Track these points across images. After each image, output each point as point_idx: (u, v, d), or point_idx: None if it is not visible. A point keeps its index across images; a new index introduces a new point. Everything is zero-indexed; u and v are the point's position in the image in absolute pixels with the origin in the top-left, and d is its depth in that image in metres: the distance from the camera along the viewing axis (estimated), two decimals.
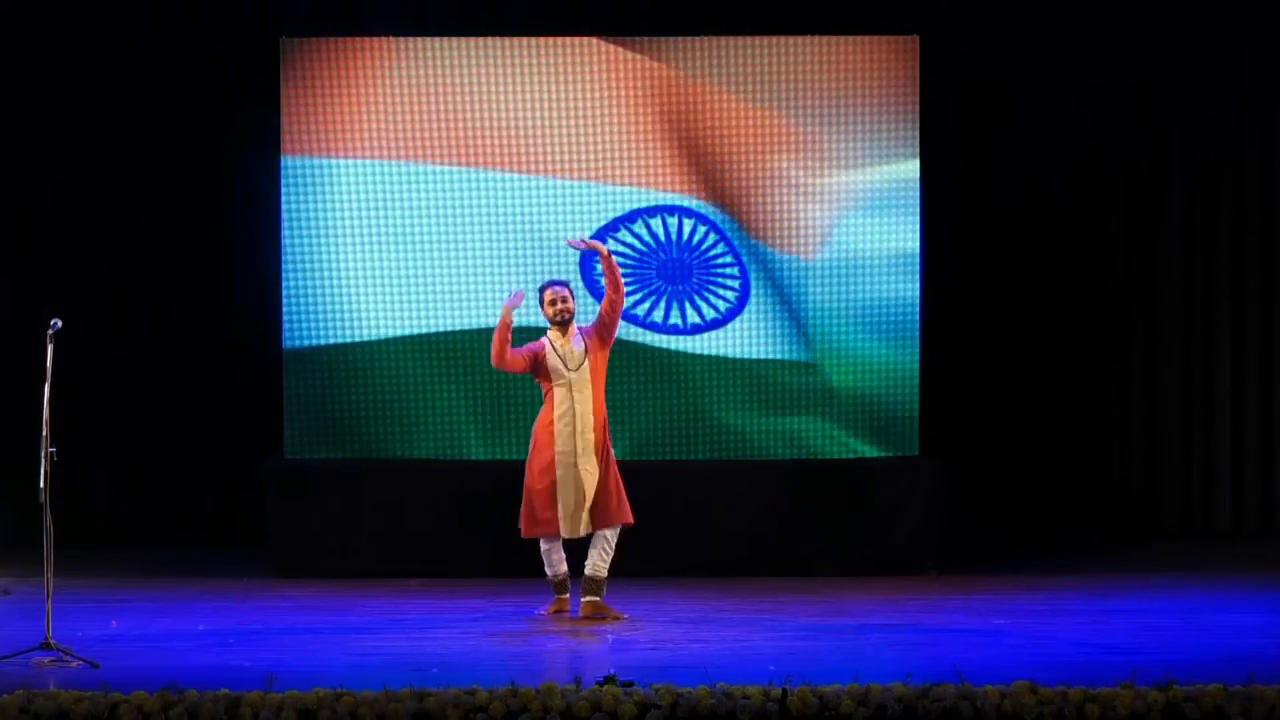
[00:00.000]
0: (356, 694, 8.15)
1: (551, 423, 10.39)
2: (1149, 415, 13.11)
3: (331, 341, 11.84)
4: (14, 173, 12.68)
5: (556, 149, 11.79)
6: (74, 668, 9.06)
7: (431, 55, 11.79)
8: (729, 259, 11.85)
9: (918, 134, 11.84)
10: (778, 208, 11.84)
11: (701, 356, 11.91)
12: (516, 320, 10.58)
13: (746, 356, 11.90)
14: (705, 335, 11.89)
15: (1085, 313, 13.01)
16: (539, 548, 10.57)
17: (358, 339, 11.85)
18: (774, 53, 11.81)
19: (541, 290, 10.51)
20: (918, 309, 11.88)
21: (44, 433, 9.30)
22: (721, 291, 11.88)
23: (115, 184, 12.74)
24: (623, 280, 10.54)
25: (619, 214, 11.83)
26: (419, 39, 11.84)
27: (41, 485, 9.21)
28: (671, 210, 11.85)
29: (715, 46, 11.81)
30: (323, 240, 11.81)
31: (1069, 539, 12.84)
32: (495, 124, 11.79)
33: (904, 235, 11.85)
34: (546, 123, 11.79)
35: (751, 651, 9.53)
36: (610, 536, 10.43)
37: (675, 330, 11.86)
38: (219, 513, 12.79)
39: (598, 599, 10.43)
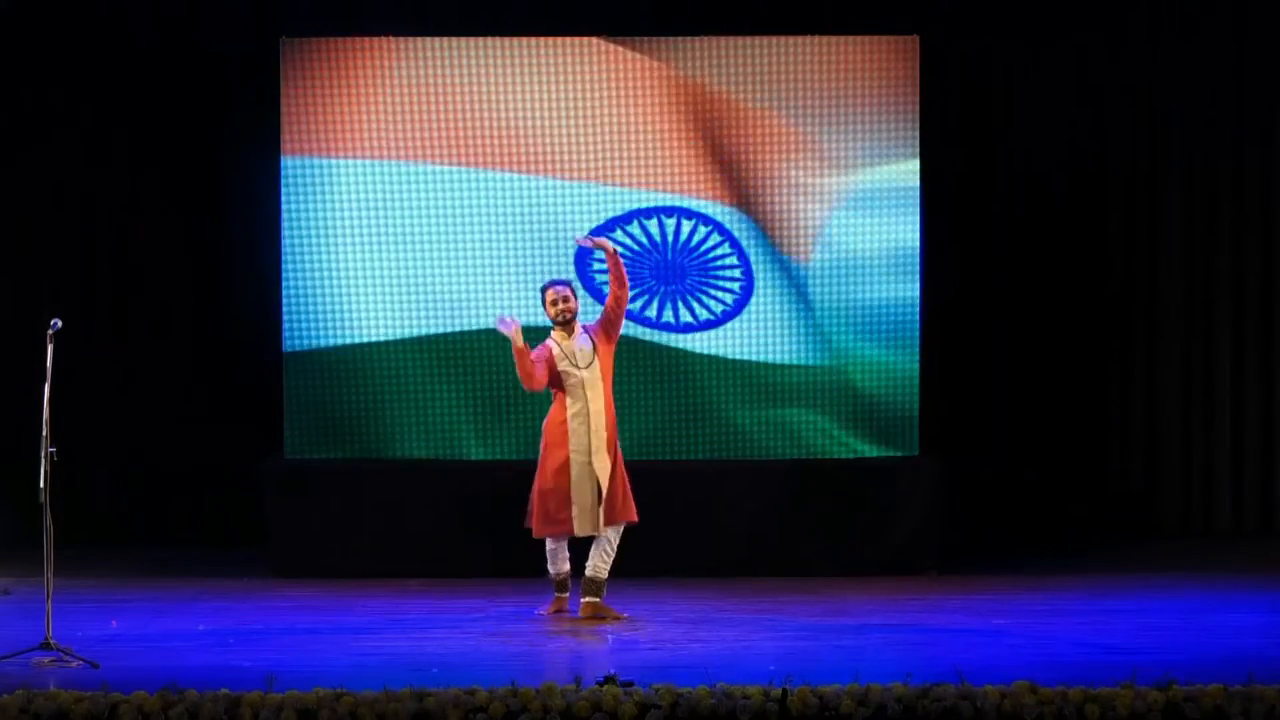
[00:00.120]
0: (356, 694, 8.15)
1: (564, 421, 10.38)
2: (1149, 415, 13.11)
3: (331, 344, 11.84)
4: (14, 173, 12.68)
5: (556, 149, 11.79)
6: (74, 668, 9.06)
7: (431, 55, 11.79)
8: (732, 260, 11.85)
9: (918, 134, 11.84)
10: (778, 208, 11.84)
11: (702, 356, 11.91)
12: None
13: (747, 356, 11.90)
14: (705, 335, 11.88)
15: (1085, 313, 13.01)
16: (543, 545, 10.57)
17: (357, 341, 11.84)
18: (774, 53, 11.81)
19: (543, 290, 10.51)
20: (918, 309, 11.88)
21: (44, 433, 9.30)
22: (718, 294, 11.87)
23: (115, 184, 12.74)
24: (627, 276, 10.55)
25: (617, 215, 11.82)
26: (419, 39, 11.84)
27: (41, 485, 9.21)
28: (670, 211, 11.84)
29: (715, 46, 11.81)
30: (323, 240, 11.80)
31: (1069, 539, 12.84)
32: (495, 124, 11.79)
33: (904, 235, 11.85)
34: (546, 123, 11.79)
35: (751, 651, 9.53)
36: (613, 538, 10.43)
37: (668, 327, 11.85)
38: (219, 513, 12.79)
39: (598, 599, 10.43)
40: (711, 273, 11.88)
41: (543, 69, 11.79)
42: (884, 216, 11.85)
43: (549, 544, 10.54)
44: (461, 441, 11.91)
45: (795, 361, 11.90)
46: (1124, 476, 13.12)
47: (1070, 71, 12.87)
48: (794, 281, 11.87)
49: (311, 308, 11.81)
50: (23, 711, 8.06)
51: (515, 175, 11.81)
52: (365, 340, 11.85)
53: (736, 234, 11.84)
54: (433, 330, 11.86)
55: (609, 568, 10.44)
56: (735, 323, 11.87)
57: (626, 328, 11.64)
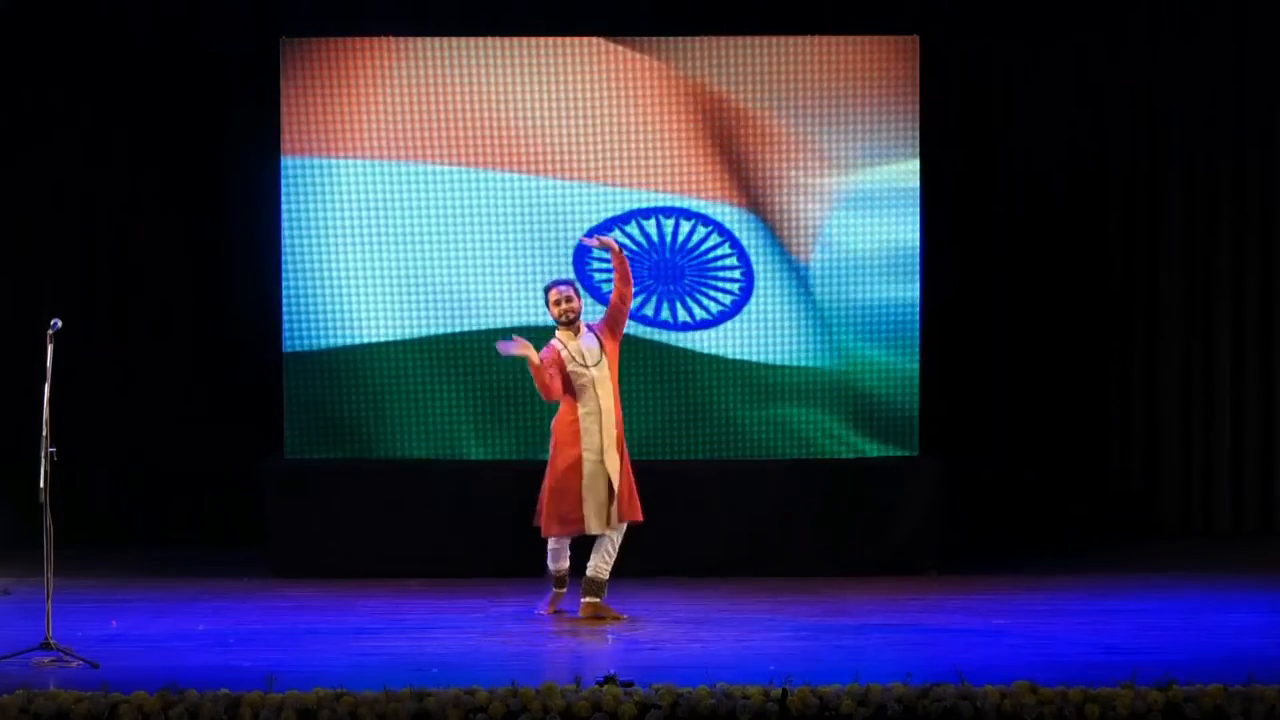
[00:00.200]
0: (356, 694, 8.15)
1: (576, 420, 10.37)
2: (1149, 415, 13.11)
3: (331, 345, 11.83)
4: (14, 173, 12.68)
5: (557, 149, 11.79)
6: (74, 668, 9.06)
7: (431, 55, 11.79)
8: (732, 261, 11.85)
9: (918, 134, 11.84)
10: (778, 208, 11.84)
11: (701, 355, 11.90)
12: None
13: (747, 356, 11.90)
14: (705, 334, 11.88)
15: (1085, 313, 13.01)
16: (543, 544, 10.56)
17: (357, 342, 11.84)
18: (774, 53, 11.81)
19: (546, 291, 10.51)
20: (918, 309, 11.88)
21: (44, 433, 9.30)
22: (716, 294, 11.87)
23: (115, 184, 12.73)
24: (631, 274, 10.54)
25: (615, 215, 11.81)
26: (419, 39, 11.84)
27: (41, 485, 9.22)
28: (669, 212, 11.84)
29: (715, 46, 11.81)
30: (323, 241, 11.80)
31: (1069, 539, 12.84)
32: (495, 124, 11.79)
33: (904, 235, 11.85)
34: (547, 123, 11.79)
35: (751, 651, 9.54)
36: (616, 539, 10.44)
37: (666, 325, 11.84)
38: (219, 513, 12.79)
39: (598, 600, 10.43)
40: (710, 273, 11.88)
41: (543, 69, 11.79)
42: (884, 216, 11.85)
43: (552, 542, 10.54)
44: (461, 441, 11.91)
45: (795, 361, 11.89)
46: (1124, 476, 13.12)
47: (1070, 71, 12.87)
48: (794, 281, 11.87)
49: (311, 308, 11.81)
50: (23, 711, 8.06)
51: (515, 175, 11.81)
52: (365, 341, 11.84)
53: (737, 234, 11.84)
54: (432, 331, 11.86)
55: (610, 568, 10.44)
56: (736, 323, 11.87)
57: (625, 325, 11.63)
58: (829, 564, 11.72)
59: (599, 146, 11.78)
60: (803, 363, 11.89)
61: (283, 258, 11.82)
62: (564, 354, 10.37)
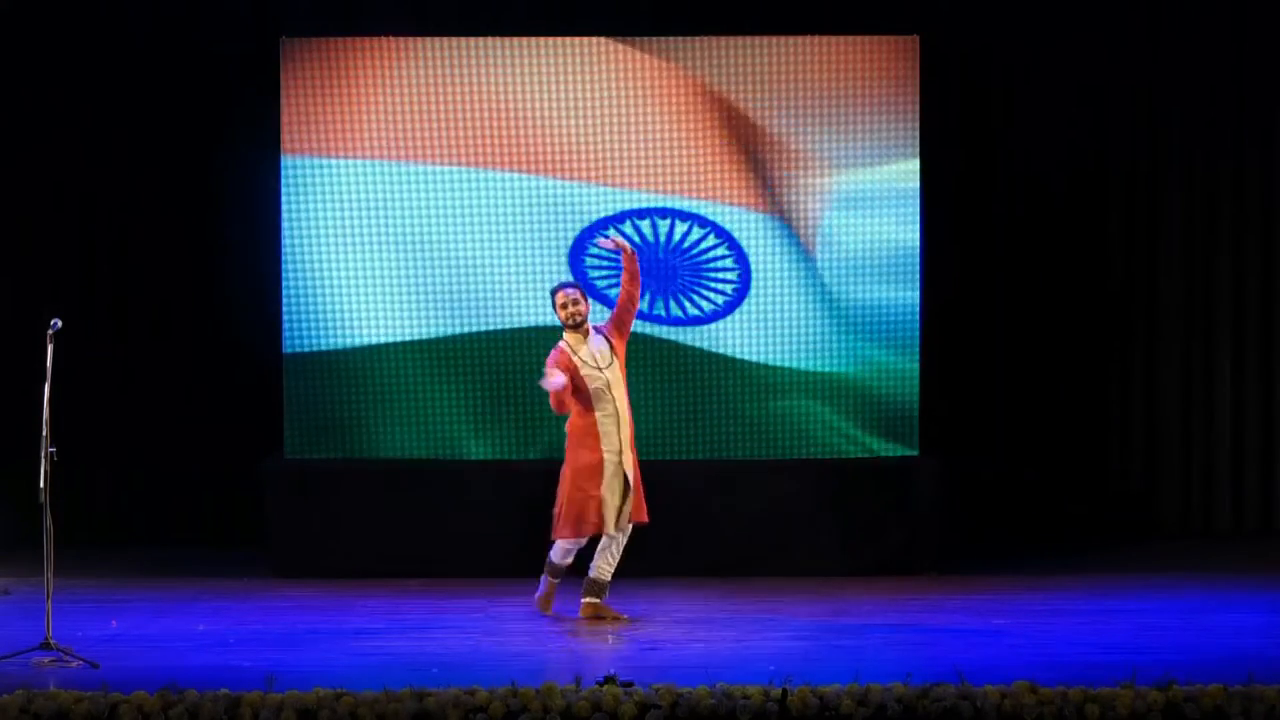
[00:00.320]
0: (356, 694, 8.15)
1: (595, 422, 10.34)
2: (1149, 415, 13.11)
3: (331, 346, 11.83)
4: (14, 173, 12.68)
5: (557, 149, 11.79)
6: (74, 668, 9.07)
7: (431, 55, 11.78)
8: (729, 262, 11.84)
9: (918, 134, 11.84)
10: (777, 208, 11.83)
11: (701, 356, 11.89)
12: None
13: (746, 356, 11.90)
14: (704, 333, 11.87)
15: (1085, 313, 13.01)
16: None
17: (357, 343, 11.83)
18: (774, 53, 11.81)
19: (553, 293, 10.48)
20: (918, 309, 11.88)
21: (44, 433, 9.30)
22: (709, 292, 11.86)
23: (115, 184, 12.73)
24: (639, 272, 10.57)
25: (610, 215, 11.80)
26: (419, 39, 11.83)
27: (41, 485, 9.22)
28: (664, 213, 11.83)
29: (715, 47, 11.81)
30: (323, 241, 11.80)
31: (1069, 539, 12.84)
32: (495, 124, 11.79)
33: (904, 235, 11.85)
34: (547, 123, 11.79)
35: (751, 651, 9.54)
36: (622, 540, 10.43)
37: (659, 320, 11.82)
38: (219, 513, 12.78)
39: (599, 600, 10.43)
40: (705, 272, 11.87)
41: (543, 69, 11.78)
42: (884, 216, 11.85)
43: (567, 544, 10.48)
44: (461, 441, 11.91)
45: (795, 361, 11.89)
46: (1124, 476, 13.11)
47: (1070, 71, 12.87)
48: (794, 282, 11.86)
49: (311, 309, 11.81)
50: (23, 711, 8.06)
51: (515, 175, 11.80)
52: (365, 343, 11.83)
53: (736, 234, 11.83)
54: (432, 332, 11.85)
55: (613, 570, 10.44)
56: (737, 323, 11.86)
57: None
58: (829, 564, 11.72)
59: (600, 146, 11.78)
60: (803, 363, 11.89)
61: (282, 259, 11.82)
62: (575, 359, 10.35)
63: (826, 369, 11.89)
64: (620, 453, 10.36)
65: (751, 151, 11.82)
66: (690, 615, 10.56)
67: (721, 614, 10.60)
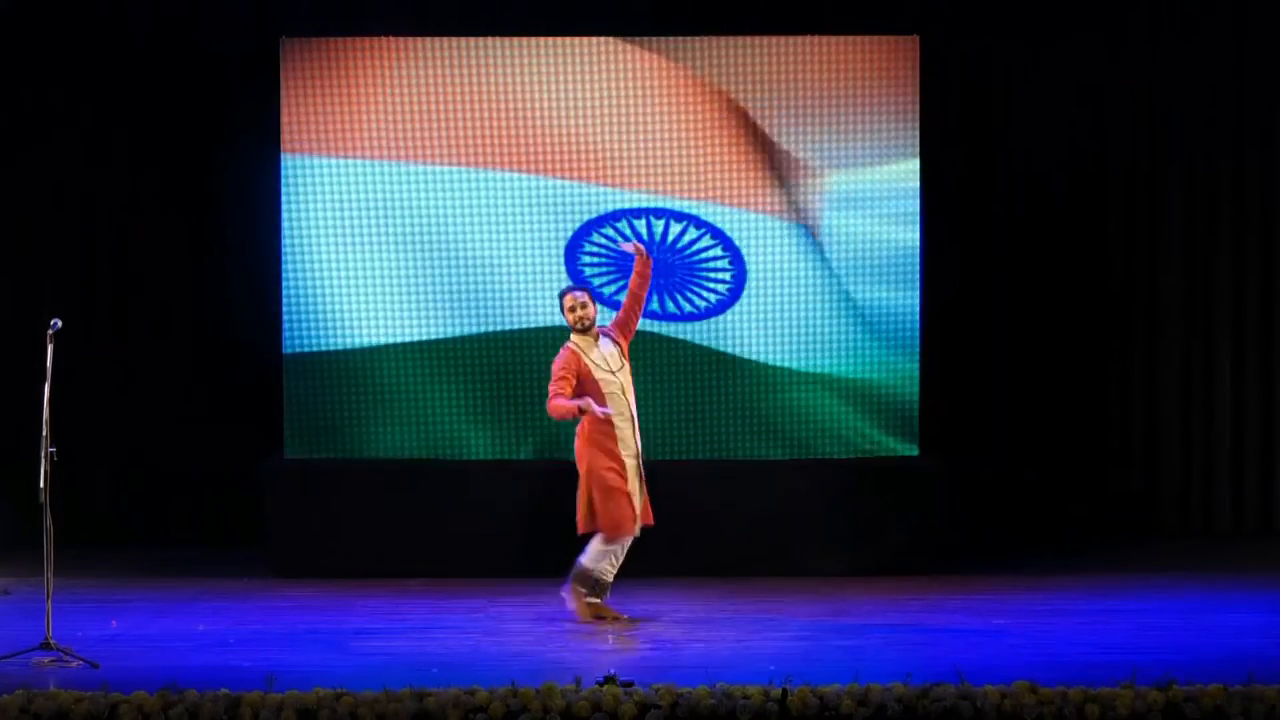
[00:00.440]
0: (356, 694, 8.15)
1: (611, 425, 10.30)
2: (1149, 415, 13.11)
3: (331, 347, 11.82)
4: (14, 173, 12.68)
5: (557, 149, 11.78)
6: (74, 668, 9.07)
7: (431, 55, 11.78)
8: (724, 263, 11.83)
9: (918, 134, 11.84)
10: (777, 207, 11.83)
11: (702, 356, 11.89)
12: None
13: (747, 356, 11.90)
14: (705, 334, 11.86)
15: (1085, 313, 13.01)
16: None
17: (357, 345, 11.83)
18: (774, 53, 11.81)
19: (561, 296, 10.46)
20: (918, 309, 11.88)
21: (44, 433, 9.30)
22: (703, 291, 11.86)
23: (115, 184, 12.73)
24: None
25: (605, 213, 11.79)
26: (419, 39, 11.83)
27: (41, 485, 9.22)
28: (659, 214, 11.83)
29: (715, 47, 11.81)
30: (323, 241, 11.80)
31: (1069, 539, 12.84)
32: (495, 124, 11.78)
33: (904, 235, 11.85)
34: (547, 123, 11.78)
35: (751, 651, 9.54)
36: (627, 542, 10.42)
37: (654, 315, 11.80)
38: (219, 513, 12.79)
39: (599, 600, 10.43)
40: (699, 271, 11.86)
41: (543, 69, 11.78)
42: (884, 217, 11.85)
43: (608, 546, 10.33)
44: (462, 441, 11.91)
45: (795, 362, 11.89)
46: (1124, 476, 13.11)
47: (1070, 71, 12.87)
48: (794, 282, 11.86)
49: (311, 310, 11.80)
50: (23, 711, 8.06)
51: (515, 175, 11.80)
52: (365, 343, 11.83)
53: (734, 234, 11.83)
54: (432, 332, 11.85)
55: (615, 571, 10.44)
56: (736, 323, 11.85)
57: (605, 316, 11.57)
58: (829, 564, 11.72)
59: (600, 147, 11.78)
60: (803, 363, 11.89)
61: (283, 259, 11.82)
62: (587, 361, 10.32)
63: (826, 369, 11.89)
64: (636, 455, 10.36)
65: (752, 151, 11.82)
66: (690, 615, 10.56)
67: (721, 614, 10.60)
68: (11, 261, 12.73)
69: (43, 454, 9.26)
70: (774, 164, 11.82)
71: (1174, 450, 13.10)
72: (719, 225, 11.82)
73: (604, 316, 10.75)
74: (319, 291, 11.81)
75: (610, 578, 10.44)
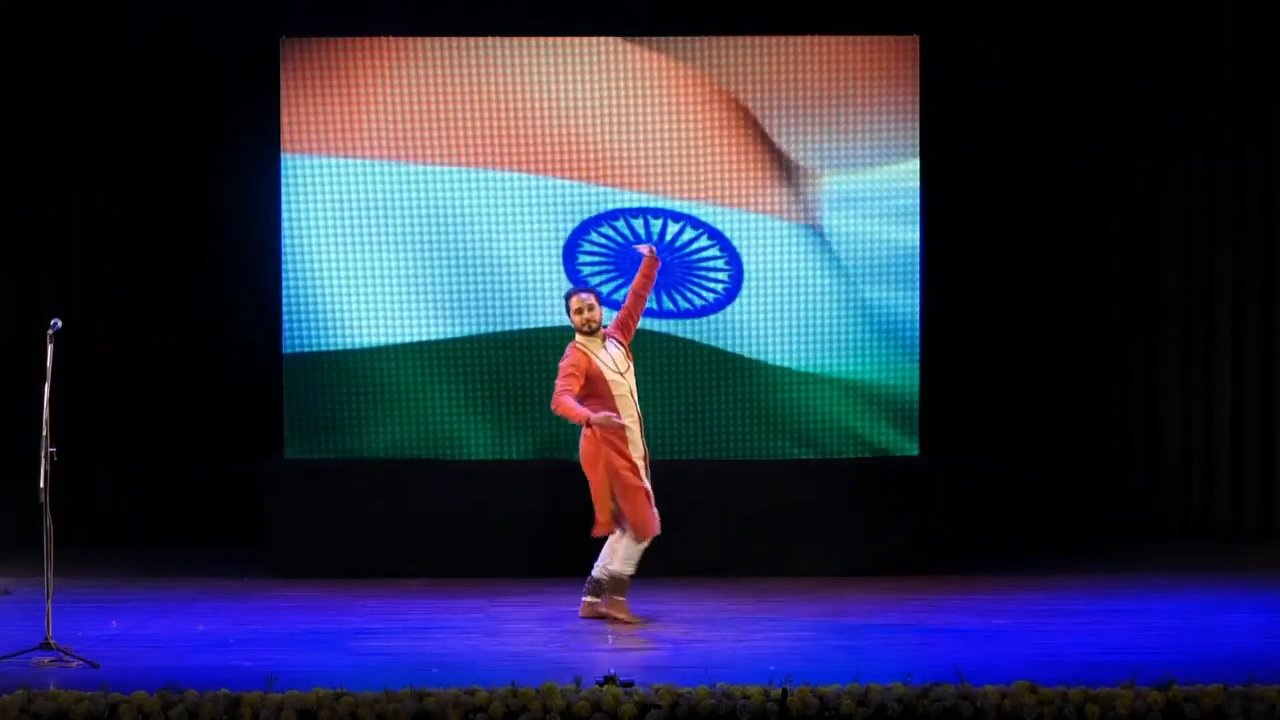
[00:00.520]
0: (356, 694, 8.15)
1: (623, 427, 10.29)
2: (1149, 415, 13.11)
3: (331, 348, 11.82)
4: (14, 173, 12.67)
5: (557, 149, 11.78)
6: (74, 668, 9.07)
7: (431, 55, 11.78)
8: (720, 263, 11.83)
9: (918, 134, 11.83)
10: (777, 207, 11.83)
11: (702, 356, 11.88)
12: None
13: (746, 355, 11.89)
14: (705, 332, 11.86)
15: (1085, 313, 13.01)
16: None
17: (357, 345, 11.83)
18: (774, 53, 11.81)
19: (567, 298, 10.44)
20: (918, 309, 11.88)
21: (44, 433, 9.30)
22: (700, 291, 11.85)
23: (115, 184, 12.73)
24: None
25: (603, 212, 11.78)
26: (419, 39, 11.83)
27: (41, 485, 9.22)
28: (658, 214, 11.82)
29: (715, 47, 11.81)
30: (323, 241, 11.79)
31: (1069, 539, 12.84)
32: (495, 124, 11.78)
33: (904, 235, 11.85)
34: (547, 123, 11.78)
35: (751, 651, 9.54)
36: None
37: (650, 313, 11.75)
38: (219, 513, 12.78)
39: (599, 600, 10.43)
40: (696, 270, 11.85)
41: (543, 69, 11.78)
42: (884, 217, 11.85)
43: (646, 543, 10.34)
44: (462, 441, 11.91)
45: (795, 362, 11.89)
46: (1124, 476, 13.11)
47: (1070, 71, 12.87)
48: (793, 282, 11.86)
49: (311, 310, 11.80)
50: (23, 711, 8.06)
51: (515, 175, 11.80)
52: (365, 343, 11.83)
53: (733, 234, 11.82)
54: (432, 332, 11.85)
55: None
56: (736, 323, 11.85)
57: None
58: (829, 564, 11.72)
59: (601, 147, 11.77)
60: (803, 363, 11.89)
61: (283, 259, 11.82)
62: (596, 362, 10.30)
63: (827, 369, 11.88)
64: (644, 457, 10.37)
65: (752, 151, 11.81)
66: (690, 615, 10.56)
67: (721, 614, 10.60)
68: (11, 261, 12.72)
69: (43, 454, 9.26)
70: (774, 164, 11.82)
71: (1174, 450, 13.10)
72: (718, 226, 11.82)
73: (604, 316, 10.75)
74: (319, 291, 11.81)
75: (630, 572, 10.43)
